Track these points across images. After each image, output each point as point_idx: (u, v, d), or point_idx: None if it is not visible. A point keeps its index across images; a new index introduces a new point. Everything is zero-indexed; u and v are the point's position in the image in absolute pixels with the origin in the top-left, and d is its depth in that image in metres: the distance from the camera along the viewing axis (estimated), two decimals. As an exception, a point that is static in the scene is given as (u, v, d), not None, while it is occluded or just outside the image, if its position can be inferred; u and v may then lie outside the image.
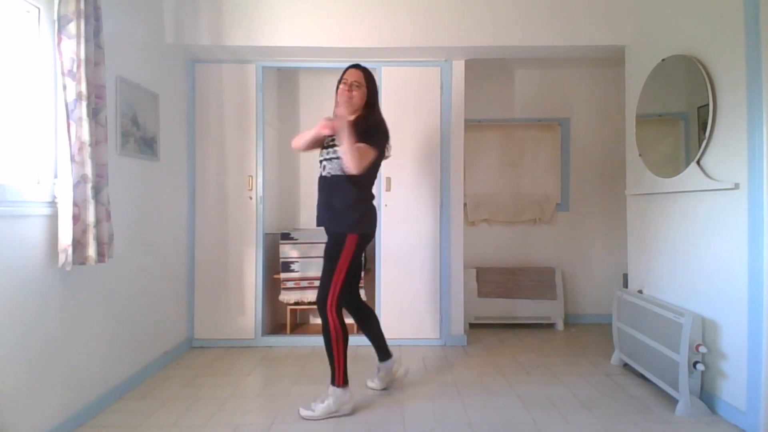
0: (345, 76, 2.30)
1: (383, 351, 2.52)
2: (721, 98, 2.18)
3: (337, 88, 2.32)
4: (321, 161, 2.30)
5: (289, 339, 3.32)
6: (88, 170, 1.97)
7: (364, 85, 2.29)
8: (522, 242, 3.97)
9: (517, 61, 3.72)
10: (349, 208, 2.22)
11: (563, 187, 3.96)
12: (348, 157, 2.10)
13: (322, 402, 2.18)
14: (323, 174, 2.28)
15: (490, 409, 2.25)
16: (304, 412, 2.18)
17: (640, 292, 2.76)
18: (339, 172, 2.21)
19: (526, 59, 3.64)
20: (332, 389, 2.20)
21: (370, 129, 2.21)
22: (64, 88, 1.92)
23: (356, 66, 2.33)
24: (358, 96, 2.27)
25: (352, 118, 2.27)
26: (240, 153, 3.24)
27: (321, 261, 3.41)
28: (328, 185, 2.25)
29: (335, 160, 2.21)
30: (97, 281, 2.24)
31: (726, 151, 2.14)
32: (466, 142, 3.51)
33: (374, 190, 2.37)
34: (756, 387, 1.96)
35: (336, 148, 2.18)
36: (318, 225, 2.34)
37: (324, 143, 2.32)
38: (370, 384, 2.53)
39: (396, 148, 3.14)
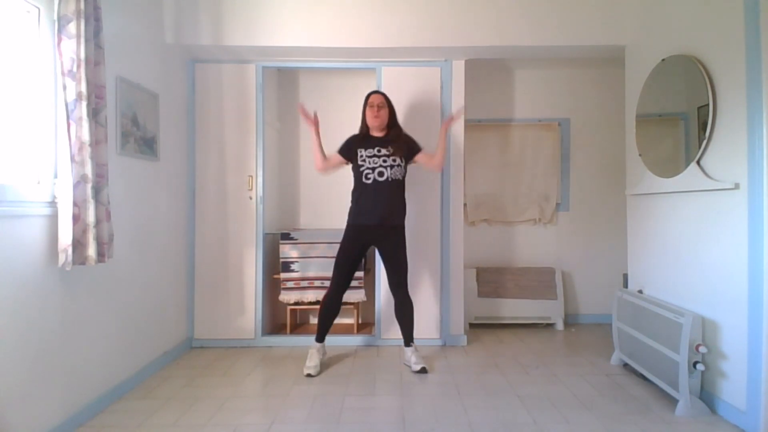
0: (370, 100, 2.80)
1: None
2: (721, 98, 2.18)
3: (364, 111, 2.82)
4: (374, 169, 2.73)
5: (289, 339, 3.32)
6: (88, 170, 1.97)
7: (386, 106, 2.81)
8: (522, 242, 3.98)
9: (517, 61, 3.72)
10: (404, 205, 2.86)
11: (563, 187, 3.96)
12: (443, 151, 2.83)
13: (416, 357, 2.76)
14: (383, 179, 2.72)
15: (490, 409, 2.25)
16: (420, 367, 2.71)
17: (640, 292, 2.76)
18: (400, 177, 2.78)
19: (526, 59, 3.64)
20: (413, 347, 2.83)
21: (414, 141, 2.88)
22: (64, 88, 1.92)
23: (377, 91, 2.89)
24: (385, 114, 2.79)
25: (382, 134, 2.82)
26: (240, 153, 3.24)
27: (321, 261, 3.46)
28: (391, 187, 2.74)
29: (396, 168, 2.74)
30: (97, 281, 2.24)
31: (726, 151, 2.14)
32: (466, 142, 3.52)
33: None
34: (756, 387, 1.96)
35: (395, 158, 2.74)
36: (381, 223, 2.75)
37: (373, 153, 2.75)
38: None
39: (396, 148, 3.16)
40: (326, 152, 2.87)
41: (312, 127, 2.83)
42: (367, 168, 2.74)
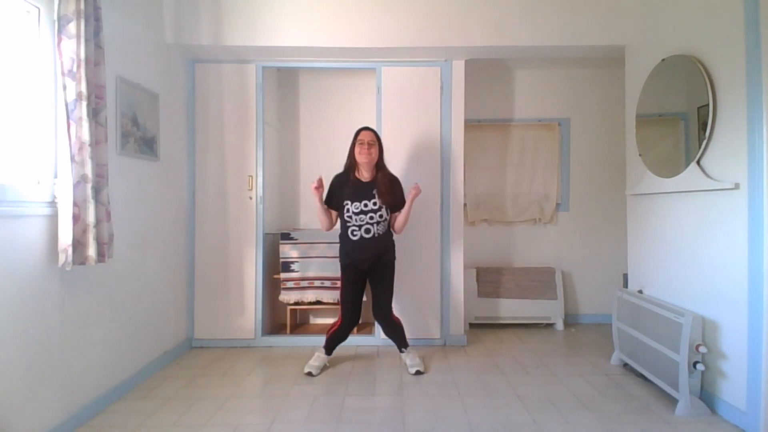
0: (360, 137, 2.69)
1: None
2: (721, 98, 2.18)
3: (353, 147, 2.71)
4: (361, 226, 2.67)
5: (289, 339, 3.32)
6: (88, 170, 1.97)
7: (377, 144, 2.72)
8: (522, 242, 3.97)
9: (517, 61, 3.72)
10: (392, 245, 2.85)
11: (563, 187, 3.96)
12: (406, 219, 2.76)
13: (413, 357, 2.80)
14: (369, 236, 2.67)
15: (490, 409, 2.25)
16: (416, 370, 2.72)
17: (640, 292, 2.76)
18: (385, 229, 2.75)
19: (526, 59, 3.64)
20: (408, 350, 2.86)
21: (400, 187, 2.80)
22: (64, 88, 1.92)
23: (368, 128, 2.75)
24: (375, 153, 2.70)
25: (369, 175, 2.72)
26: (240, 153, 3.24)
27: (321, 261, 3.47)
28: (378, 241, 2.70)
29: (382, 223, 2.70)
30: (97, 281, 2.24)
31: (726, 151, 2.14)
32: (466, 142, 3.51)
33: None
34: (756, 387, 1.96)
35: (381, 213, 2.68)
36: (372, 264, 2.75)
37: (360, 209, 2.67)
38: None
39: (396, 149, 3.17)
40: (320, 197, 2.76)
41: (316, 195, 2.67)
42: (354, 225, 2.68)
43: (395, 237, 2.87)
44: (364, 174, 2.73)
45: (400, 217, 2.76)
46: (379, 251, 2.73)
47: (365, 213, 2.67)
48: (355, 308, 2.79)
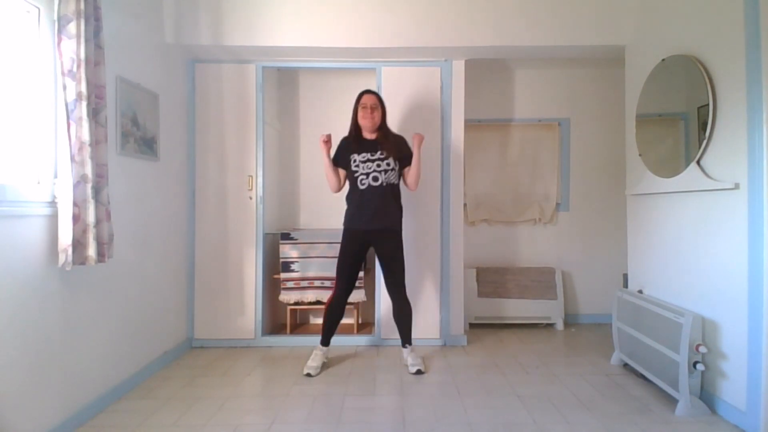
0: (363, 101, 2.74)
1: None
2: (721, 98, 2.18)
3: (356, 111, 2.76)
4: (368, 174, 2.70)
5: (289, 339, 3.32)
6: (88, 170, 1.97)
7: (379, 107, 2.77)
8: (522, 242, 3.98)
9: (517, 61, 3.72)
10: (400, 209, 2.85)
11: (563, 187, 3.96)
12: (418, 170, 2.80)
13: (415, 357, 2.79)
14: (377, 184, 2.71)
15: (490, 409, 2.25)
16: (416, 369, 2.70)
17: (640, 292, 2.76)
18: (395, 181, 2.78)
19: (526, 59, 3.64)
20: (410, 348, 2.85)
21: (406, 143, 2.85)
22: (64, 88, 1.92)
23: (369, 91, 2.80)
24: (378, 116, 2.75)
25: (374, 135, 2.77)
26: (240, 153, 3.24)
27: (321, 261, 3.46)
28: (386, 192, 2.73)
29: (390, 171, 2.73)
30: (97, 281, 2.24)
31: (726, 151, 2.14)
32: (466, 142, 3.51)
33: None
34: (756, 387, 1.96)
35: (389, 161, 2.72)
36: (377, 228, 2.74)
37: (367, 158, 2.72)
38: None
39: (396, 148, 3.16)
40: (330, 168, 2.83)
41: (324, 149, 2.75)
42: (362, 174, 2.71)
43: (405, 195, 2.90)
44: (368, 135, 2.79)
45: (412, 170, 2.79)
46: (386, 209, 2.73)
47: (372, 161, 2.71)
48: (349, 278, 2.78)
